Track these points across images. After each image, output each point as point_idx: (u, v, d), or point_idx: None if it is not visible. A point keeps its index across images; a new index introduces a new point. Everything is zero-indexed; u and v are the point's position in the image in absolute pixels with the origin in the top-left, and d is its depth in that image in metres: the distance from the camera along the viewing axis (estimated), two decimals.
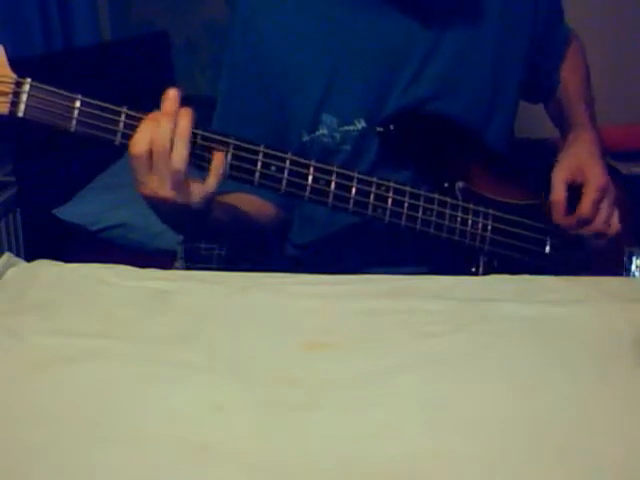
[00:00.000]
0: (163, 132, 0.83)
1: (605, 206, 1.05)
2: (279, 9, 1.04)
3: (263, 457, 0.59)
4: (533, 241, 1.07)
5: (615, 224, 1.06)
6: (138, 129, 0.84)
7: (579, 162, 1.07)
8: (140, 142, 0.83)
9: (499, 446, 0.60)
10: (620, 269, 1.10)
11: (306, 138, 1.05)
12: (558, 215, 1.05)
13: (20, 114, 0.82)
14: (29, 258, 0.95)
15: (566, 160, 1.08)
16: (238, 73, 1.08)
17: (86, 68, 2.28)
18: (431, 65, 1.04)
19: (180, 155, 0.84)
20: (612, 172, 1.13)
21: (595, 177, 1.05)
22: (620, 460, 0.59)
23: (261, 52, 1.04)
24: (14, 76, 0.81)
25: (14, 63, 0.83)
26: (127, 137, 0.84)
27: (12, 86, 0.81)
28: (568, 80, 1.20)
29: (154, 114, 0.85)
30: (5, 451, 0.60)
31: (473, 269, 1.05)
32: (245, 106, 1.08)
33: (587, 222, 1.04)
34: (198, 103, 1.14)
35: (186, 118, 0.84)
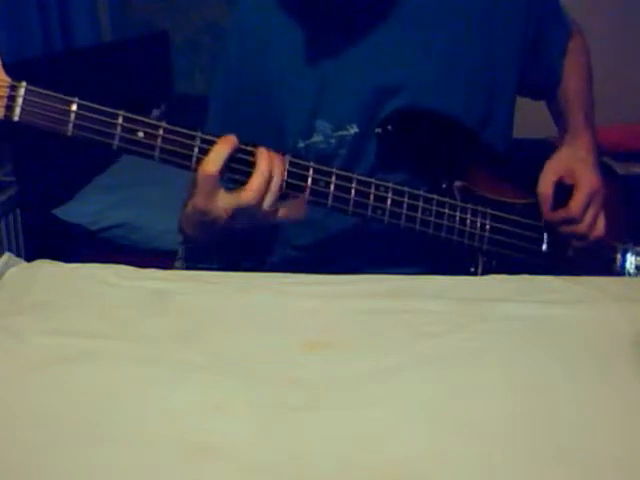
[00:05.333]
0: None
1: (592, 210, 1.07)
2: (273, 18, 1.04)
3: (263, 457, 0.59)
4: (530, 239, 1.07)
5: (599, 228, 1.08)
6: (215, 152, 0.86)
7: (570, 164, 1.09)
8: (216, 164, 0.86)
9: (499, 446, 0.61)
10: (615, 266, 1.10)
11: (301, 145, 1.05)
12: (545, 209, 1.08)
13: (15, 118, 0.81)
14: (29, 258, 0.95)
15: (557, 160, 1.10)
16: (232, 80, 1.08)
17: (86, 68, 2.28)
18: (423, 68, 1.04)
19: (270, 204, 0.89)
20: (607, 172, 1.14)
21: (586, 181, 1.07)
22: (620, 460, 0.59)
23: (255, 60, 1.04)
24: (9, 80, 0.80)
25: (14, 65, 0.83)
26: (124, 140, 0.84)
27: (7, 90, 0.80)
28: (568, 78, 1.19)
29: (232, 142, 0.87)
30: (5, 451, 0.60)
31: (472, 269, 1.05)
32: (240, 113, 1.08)
33: (573, 222, 1.07)
34: (198, 103, 1.14)
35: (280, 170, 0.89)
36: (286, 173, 0.91)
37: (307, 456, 0.59)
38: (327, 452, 0.60)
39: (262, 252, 1.21)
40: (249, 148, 0.89)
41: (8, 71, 0.81)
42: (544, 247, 1.08)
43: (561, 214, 1.07)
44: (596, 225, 1.08)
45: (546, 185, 1.08)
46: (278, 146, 1.04)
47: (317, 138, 1.05)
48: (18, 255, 0.96)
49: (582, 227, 1.07)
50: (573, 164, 1.09)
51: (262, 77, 1.05)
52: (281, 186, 0.89)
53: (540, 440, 0.61)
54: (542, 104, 1.25)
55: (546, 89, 1.20)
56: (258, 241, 1.17)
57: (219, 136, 0.88)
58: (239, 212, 0.88)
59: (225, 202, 0.88)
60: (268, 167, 0.88)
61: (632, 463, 0.59)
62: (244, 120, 1.07)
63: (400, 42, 1.03)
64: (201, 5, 2.90)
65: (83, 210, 2.18)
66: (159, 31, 2.91)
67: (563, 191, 1.08)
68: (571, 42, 1.20)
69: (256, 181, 0.87)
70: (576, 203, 1.06)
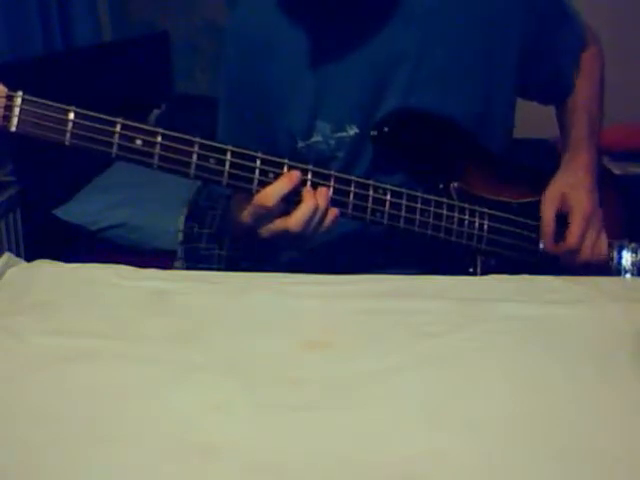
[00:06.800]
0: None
1: (590, 236, 1.06)
2: (272, 18, 1.04)
3: (263, 457, 0.59)
4: (528, 238, 1.07)
5: (601, 251, 1.07)
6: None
7: (565, 190, 1.08)
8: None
9: (499, 446, 0.61)
10: (611, 263, 1.10)
11: (301, 145, 1.05)
12: (548, 245, 1.07)
13: (13, 128, 0.80)
14: (29, 258, 0.95)
15: (553, 189, 1.09)
16: (232, 80, 1.08)
17: (86, 68, 2.29)
18: (422, 68, 1.04)
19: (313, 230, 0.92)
20: (604, 172, 1.14)
21: (579, 208, 1.06)
22: (620, 460, 0.59)
23: (254, 60, 1.04)
24: (5, 90, 0.80)
25: (14, 65, 0.83)
26: (123, 149, 0.84)
27: (3, 100, 0.80)
28: (578, 90, 1.17)
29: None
30: (5, 451, 0.60)
31: (471, 269, 1.05)
32: (241, 113, 1.08)
33: (575, 252, 1.06)
34: (198, 103, 1.14)
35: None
36: (258, 171, 0.91)
37: (307, 456, 0.59)
38: (327, 452, 0.60)
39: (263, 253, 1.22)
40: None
41: (8, 71, 0.81)
42: (541, 245, 1.08)
43: (561, 248, 1.06)
44: (598, 247, 1.07)
45: (546, 223, 1.07)
46: (278, 146, 1.05)
47: (317, 138, 1.05)
48: (18, 255, 0.96)
49: (583, 255, 1.06)
50: (567, 190, 1.08)
51: (262, 77, 1.05)
52: (325, 214, 0.92)
53: (540, 440, 0.61)
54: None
55: (556, 96, 1.19)
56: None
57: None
58: (283, 234, 0.91)
59: (272, 226, 0.91)
60: (314, 200, 0.91)
61: (632, 463, 0.59)
62: (245, 120, 1.08)
63: (399, 43, 1.03)
64: (201, 5, 2.90)
65: (83, 210, 2.18)
66: (159, 31, 2.91)
67: (561, 218, 1.07)
68: (585, 52, 1.18)
69: (302, 212, 0.90)
70: (572, 235, 1.05)
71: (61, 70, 2.16)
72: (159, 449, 0.60)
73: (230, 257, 1.62)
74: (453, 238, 1.02)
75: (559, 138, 1.19)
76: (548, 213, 1.07)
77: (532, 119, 1.44)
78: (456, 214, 1.02)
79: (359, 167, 1.05)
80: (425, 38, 1.03)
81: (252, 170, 0.89)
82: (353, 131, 1.04)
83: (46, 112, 0.81)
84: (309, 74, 1.03)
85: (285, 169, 0.91)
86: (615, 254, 1.09)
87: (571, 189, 1.08)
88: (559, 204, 1.08)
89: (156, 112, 2.63)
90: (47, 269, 0.92)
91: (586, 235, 1.06)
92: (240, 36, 1.06)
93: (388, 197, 0.97)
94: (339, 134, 1.04)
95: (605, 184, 1.11)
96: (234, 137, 1.03)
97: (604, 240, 1.08)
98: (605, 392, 0.68)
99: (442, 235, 1.01)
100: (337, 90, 1.03)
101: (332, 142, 1.05)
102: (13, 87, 0.81)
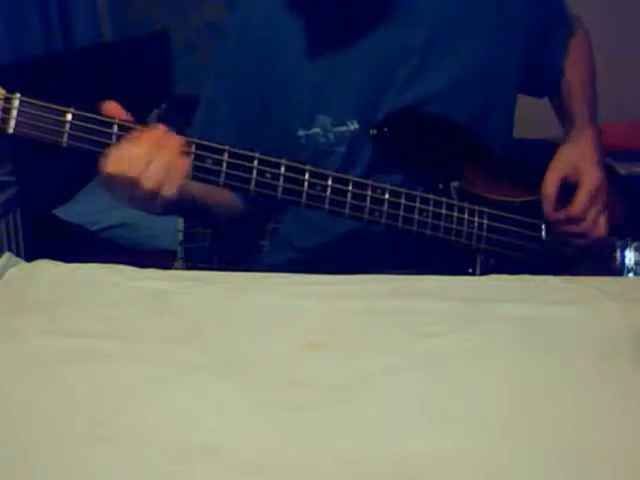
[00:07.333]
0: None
1: (594, 209, 1.07)
2: (274, 14, 1.04)
3: (263, 457, 0.59)
4: (528, 238, 1.08)
5: (601, 227, 1.08)
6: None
7: (575, 162, 1.09)
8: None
9: (499, 446, 0.60)
10: (612, 263, 1.11)
11: (301, 133, 1.05)
12: (548, 209, 1.08)
13: (10, 130, 0.80)
14: (29, 258, 0.95)
15: (562, 158, 1.11)
16: (233, 74, 1.08)
17: (86, 68, 2.29)
18: (424, 67, 1.04)
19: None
20: (609, 172, 1.14)
21: (589, 179, 1.08)
22: (620, 460, 0.59)
23: (255, 55, 1.04)
24: (3, 92, 0.80)
25: (15, 65, 0.83)
26: None
27: (1, 102, 0.79)
28: (570, 74, 1.19)
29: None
30: (4, 450, 0.60)
31: (470, 269, 1.05)
32: (240, 107, 1.08)
33: (576, 221, 1.07)
34: (198, 103, 1.14)
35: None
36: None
37: (307, 456, 0.59)
38: (327, 452, 0.60)
39: (251, 251, 1.21)
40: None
41: (7, 71, 0.81)
42: (542, 245, 1.08)
43: (563, 214, 1.07)
44: (598, 224, 1.08)
45: (549, 185, 1.08)
46: (279, 138, 1.04)
47: (316, 130, 1.05)
48: (18, 255, 0.96)
49: (584, 226, 1.07)
50: (577, 162, 1.09)
51: (262, 71, 1.05)
52: (162, 167, 0.84)
53: (540, 440, 0.61)
54: (542, 104, 1.25)
55: (548, 87, 1.20)
56: (244, 239, 1.17)
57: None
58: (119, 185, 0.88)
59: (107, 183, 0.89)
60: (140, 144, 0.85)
61: (632, 463, 0.59)
62: (244, 113, 1.07)
63: (402, 41, 1.03)
64: (201, 5, 2.90)
65: (83, 210, 2.18)
66: (159, 31, 2.91)
67: (567, 189, 1.08)
68: (573, 39, 1.19)
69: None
70: (578, 202, 1.06)
71: (61, 70, 2.16)
72: (159, 449, 0.60)
73: (230, 257, 1.62)
74: (452, 237, 1.02)
75: (559, 138, 1.19)
76: (552, 176, 1.08)
77: (532, 119, 1.44)
78: (455, 213, 1.02)
79: (359, 165, 1.06)
80: (428, 37, 1.04)
81: (249, 170, 0.89)
82: (354, 126, 1.04)
83: (43, 114, 0.81)
84: (310, 67, 1.03)
85: (282, 169, 0.91)
86: (618, 253, 1.10)
87: (580, 161, 1.09)
88: (567, 172, 1.08)
89: (156, 112, 2.63)
90: (47, 269, 0.92)
91: (591, 207, 1.07)
92: (242, 32, 1.06)
93: (386, 196, 0.97)
94: (339, 128, 1.04)
95: (609, 183, 1.12)
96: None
97: (605, 218, 1.08)
98: (605, 392, 0.68)
99: (441, 234, 1.01)
100: (338, 84, 1.04)
101: (331, 136, 1.05)
102: (13, 87, 0.81)
